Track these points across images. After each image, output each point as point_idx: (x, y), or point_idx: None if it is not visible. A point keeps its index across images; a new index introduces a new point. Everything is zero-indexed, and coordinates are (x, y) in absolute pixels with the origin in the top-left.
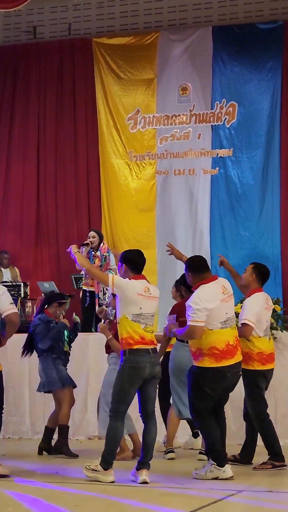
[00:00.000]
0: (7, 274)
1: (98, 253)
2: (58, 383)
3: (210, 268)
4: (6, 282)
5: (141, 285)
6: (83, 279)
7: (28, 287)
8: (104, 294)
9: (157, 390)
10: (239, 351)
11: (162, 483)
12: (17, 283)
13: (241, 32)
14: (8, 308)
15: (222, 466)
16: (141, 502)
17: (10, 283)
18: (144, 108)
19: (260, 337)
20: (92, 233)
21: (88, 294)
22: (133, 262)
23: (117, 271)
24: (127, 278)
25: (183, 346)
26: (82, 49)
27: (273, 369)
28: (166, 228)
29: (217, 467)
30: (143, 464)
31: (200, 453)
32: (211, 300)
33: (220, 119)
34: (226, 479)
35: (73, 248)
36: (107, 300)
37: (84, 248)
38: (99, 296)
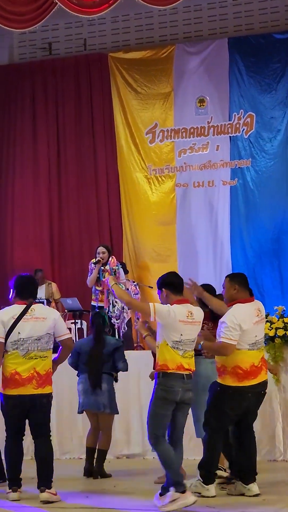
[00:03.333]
0: (41, 292)
1: (107, 267)
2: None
3: None
4: (40, 299)
5: (184, 310)
6: (92, 294)
7: (51, 304)
8: (114, 306)
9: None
10: (263, 371)
11: (193, 507)
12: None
13: (257, 43)
14: (66, 332)
15: (208, 484)
16: None
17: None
18: (162, 121)
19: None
20: (101, 249)
21: (97, 309)
22: (173, 285)
23: (132, 285)
24: (168, 304)
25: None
26: (98, 64)
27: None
28: (186, 240)
29: (202, 484)
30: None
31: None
32: (245, 321)
33: (238, 130)
34: (209, 497)
35: (110, 280)
36: (116, 312)
37: (96, 266)
38: (109, 309)
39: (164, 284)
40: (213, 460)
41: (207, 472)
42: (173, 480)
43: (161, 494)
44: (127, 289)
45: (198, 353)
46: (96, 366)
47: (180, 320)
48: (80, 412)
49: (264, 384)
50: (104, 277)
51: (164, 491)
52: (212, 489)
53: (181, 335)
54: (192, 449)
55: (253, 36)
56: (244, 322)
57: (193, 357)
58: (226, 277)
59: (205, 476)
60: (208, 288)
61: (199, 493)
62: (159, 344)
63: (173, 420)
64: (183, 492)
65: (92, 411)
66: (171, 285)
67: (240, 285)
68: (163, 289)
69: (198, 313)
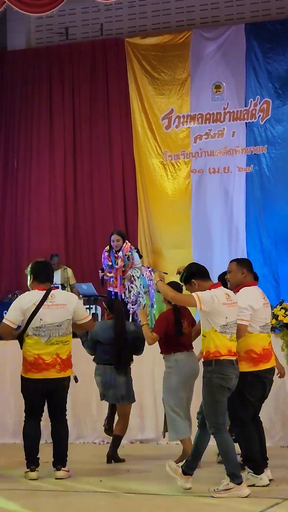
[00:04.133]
0: (57, 277)
1: (120, 254)
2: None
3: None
4: (55, 284)
5: (222, 293)
6: (109, 280)
7: (66, 289)
8: (130, 292)
9: None
10: (273, 357)
11: (203, 491)
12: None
13: (274, 29)
14: (86, 315)
15: (259, 474)
16: None
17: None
18: (178, 107)
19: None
20: (115, 237)
21: (113, 294)
22: (201, 272)
23: (147, 271)
24: (207, 290)
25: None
26: (115, 49)
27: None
28: (201, 227)
29: (254, 475)
30: (191, 470)
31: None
32: (256, 301)
33: (254, 116)
34: (263, 486)
35: (155, 276)
36: (132, 298)
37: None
38: (125, 295)
39: (192, 275)
40: (255, 450)
41: (253, 462)
42: (229, 471)
43: (184, 473)
44: (142, 275)
45: None
46: (122, 356)
47: (223, 303)
48: (102, 400)
49: (274, 370)
50: (117, 264)
51: (187, 469)
52: (264, 477)
53: (226, 318)
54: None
55: (270, 21)
56: (255, 302)
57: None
58: (232, 261)
59: (254, 467)
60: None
61: (253, 485)
62: (207, 332)
63: None
64: (239, 484)
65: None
66: (199, 273)
67: (248, 270)
68: (192, 280)
69: (233, 295)
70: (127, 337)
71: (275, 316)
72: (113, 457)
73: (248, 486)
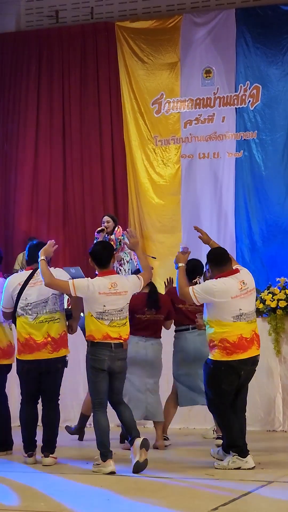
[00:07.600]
0: None
1: (112, 237)
2: None
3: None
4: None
5: (106, 281)
6: None
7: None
8: (118, 273)
9: None
10: (254, 346)
11: (193, 476)
12: None
13: (264, 14)
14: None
15: (245, 457)
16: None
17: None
18: (168, 92)
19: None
20: (106, 218)
21: None
22: (97, 257)
23: (134, 256)
24: (88, 278)
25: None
26: (105, 33)
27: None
28: (191, 211)
29: (240, 458)
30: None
31: (217, 438)
32: (217, 295)
33: (244, 102)
34: (249, 469)
35: (41, 253)
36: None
37: (100, 234)
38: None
39: (90, 254)
40: (235, 435)
41: (237, 446)
42: (100, 450)
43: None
44: (131, 259)
45: (184, 328)
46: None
47: (101, 293)
48: None
49: (254, 361)
50: None
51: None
52: (250, 460)
53: (104, 306)
54: (192, 418)
55: (261, 7)
56: (213, 295)
57: (125, 326)
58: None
59: (239, 451)
60: (196, 264)
61: (239, 468)
62: (86, 316)
63: (109, 386)
64: (104, 461)
65: None
66: (95, 257)
67: (214, 266)
68: (91, 259)
69: (122, 284)
70: None
71: (262, 301)
72: (82, 434)
73: (234, 469)
